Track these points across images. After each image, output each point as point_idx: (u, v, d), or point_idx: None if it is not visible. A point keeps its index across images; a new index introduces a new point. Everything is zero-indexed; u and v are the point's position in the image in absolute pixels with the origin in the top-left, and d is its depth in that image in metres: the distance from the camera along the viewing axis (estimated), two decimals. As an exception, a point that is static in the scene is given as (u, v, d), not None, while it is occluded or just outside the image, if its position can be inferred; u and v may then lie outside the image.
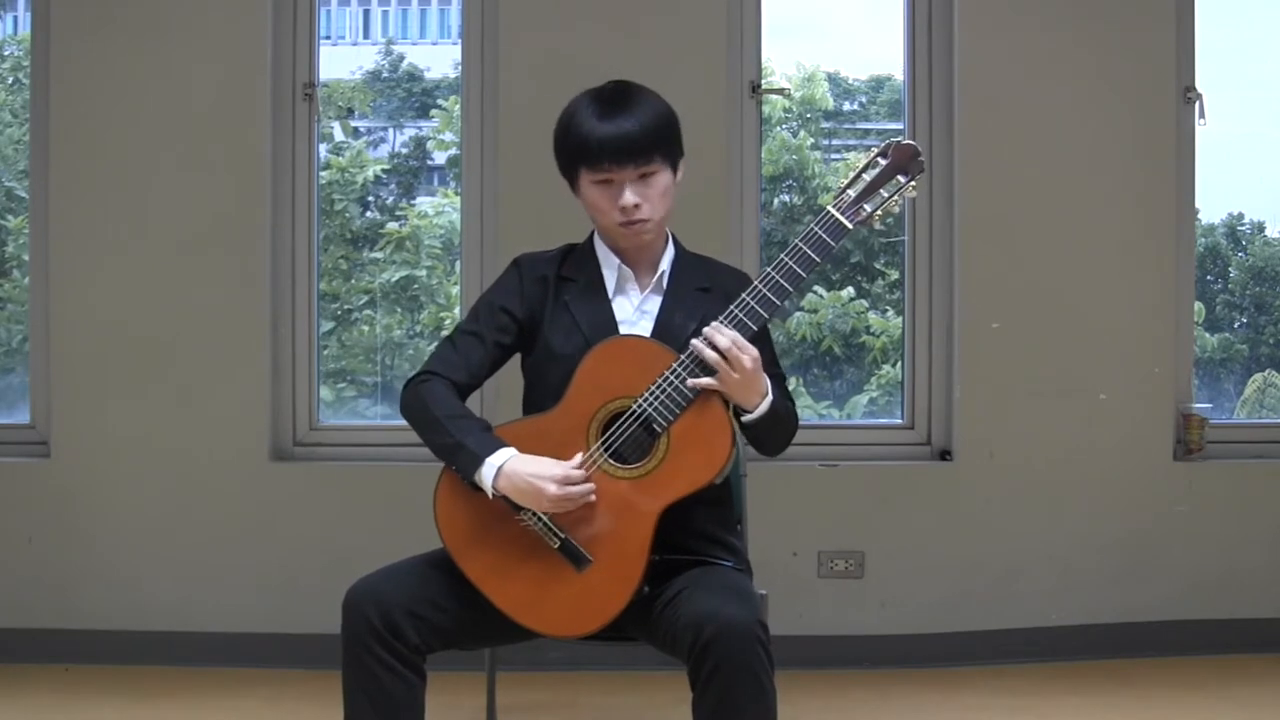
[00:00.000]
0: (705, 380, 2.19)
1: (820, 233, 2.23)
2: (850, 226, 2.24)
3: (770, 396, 2.26)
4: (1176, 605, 3.83)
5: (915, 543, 3.77)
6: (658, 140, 2.33)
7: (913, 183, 2.27)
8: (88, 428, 3.72)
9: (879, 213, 2.26)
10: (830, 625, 3.74)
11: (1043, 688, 3.55)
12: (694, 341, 2.19)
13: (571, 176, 2.40)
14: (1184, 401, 3.90)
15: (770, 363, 2.35)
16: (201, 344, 3.71)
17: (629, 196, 2.31)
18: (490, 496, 2.21)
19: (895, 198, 2.26)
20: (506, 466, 2.20)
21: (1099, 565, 3.81)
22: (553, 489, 2.17)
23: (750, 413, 2.25)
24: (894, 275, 4.26)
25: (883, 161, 2.27)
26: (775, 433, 2.33)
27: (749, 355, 2.19)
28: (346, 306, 4.25)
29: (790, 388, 2.50)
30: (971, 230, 3.78)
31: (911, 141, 2.30)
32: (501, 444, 2.23)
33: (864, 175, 2.27)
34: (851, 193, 2.26)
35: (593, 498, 2.20)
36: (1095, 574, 3.81)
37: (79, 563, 3.72)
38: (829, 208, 2.25)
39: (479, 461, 2.20)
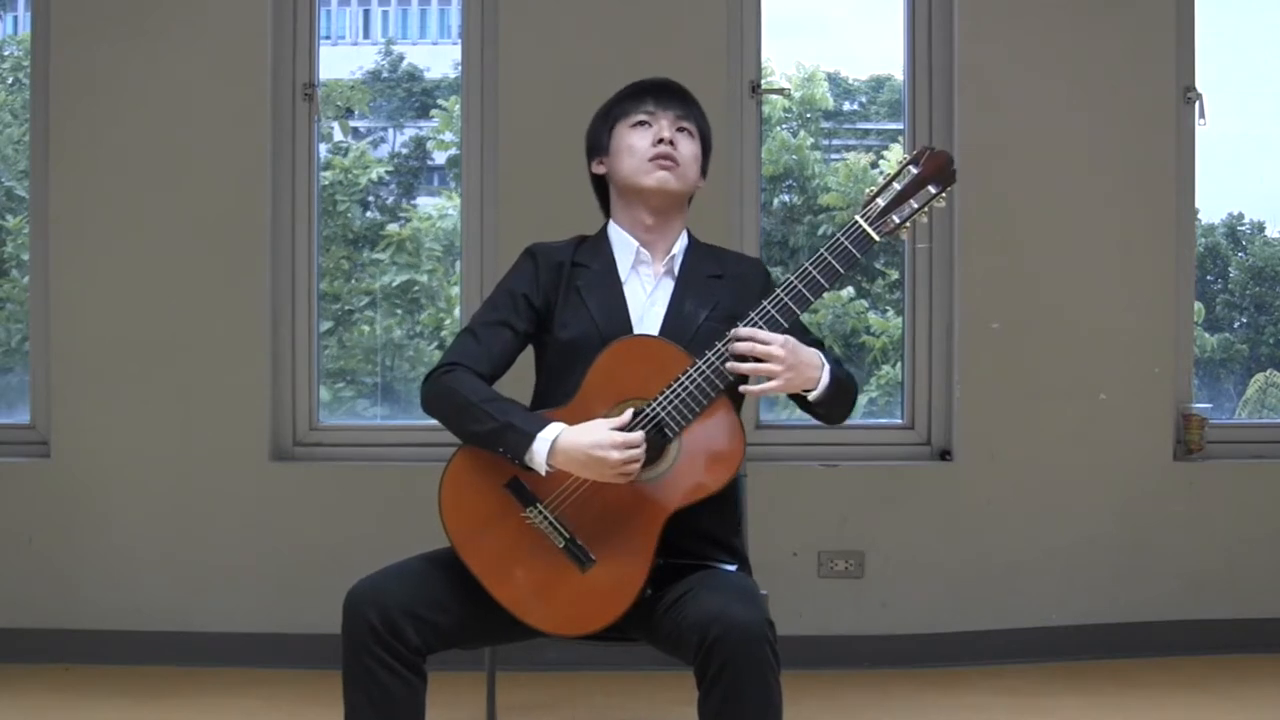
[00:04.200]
0: (758, 386, 2.16)
1: (847, 244, 2.20)
2: (878, 239, 2.20)
3: (828, 366, 2.25)
4: (1176, 605, 3.83)
5: (915, 543, 3.77)
6: (701, 116, 2.47)
7: (942, 194, 2.22)
8: (88, 428, 3.72)
9: (907, 225, 2.21)
10: (830, 625, 3.74)
11: (1043, 688, 3.55)
12: (729, 364, 2.16)
13: (602, 141, 2.45)
14: (1184, 401, 3.90)
15: (803, 332, 2.34)
16: (201, 344, 3.71)
17: (667, 130, 2.39)
18: (543, 474, 2.17)
19: (924, 209, 2.21)
20: (561, 441, 2.16)
21: (1099, 565, 3.81)
22: (615, 455, 2.13)
23: (814, 390, 2.23)
24: (894, 275, 4.25)
25: (914, 170, 2.21)
26: (841, 401, 2.30)
27: (776, 343, 2.16)
28: (347, 307, 4.25)
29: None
30: (971, 230, 3.79)
31: (945, 150, 2.24)
32: (548, 420, 2.19)
33: (894, 184, 2.21)
34: (880, 202, 2.21)
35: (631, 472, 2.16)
36: (1095, 574, 3.81)
37: (79, 563, 3.72)
38: (858, 219, 2.21)
39: (529, 439, 2.16)
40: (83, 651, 3.68)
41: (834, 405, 2.29)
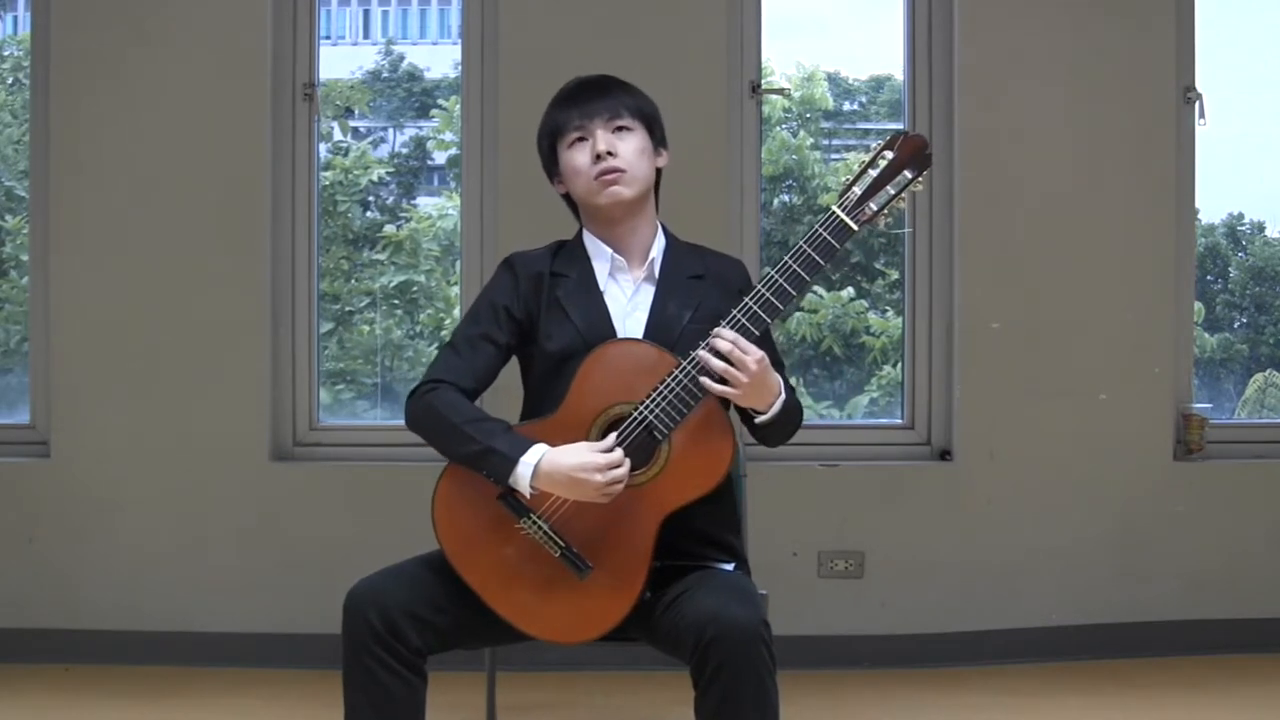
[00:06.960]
0: (718, 387, 2.15)
1: (825, 234, 2.16)
2: (855, 228, 2.16)
3: (783, 396, 2.25)
4: (1177, 605, 3.83)
5: (915, 543, 3.77)
6: (630, 98, 2.38)
7: (919, 179, 2.18)
8: (88, 428, 3.72)
9: (885, 212, 2.17)
10: (830, 625, 3.74)
11: (1043, 688, 3.55)
12: (700, 353, 2.15)
13: (552, 163, 2.42)
14: (1184, 401, 3.90)
15: (774, 351, 2.34)
16: (201, 344, 3.71)
17: (601, 142, 2.32)
18: (528, 496, 2.17)
19: (901, 195, 2.17)
20: (543, 464, 2.16)
21: (1099, 565, 3.81)
22: (598, 478, 2.13)
23: (763, 414, 2.24)
24: (894, 275, 4.26)
25: (889, 155, 2.17)
26: (783, 428, 2.31)
27: (753, 357, 2.15)
28: (347, 308, 4.26)
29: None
30: (971, 230, 3.78)
31: (919, 134, 2.22)
32: (531, 442, 2.19)
33: (869, 171, 2.17)
34: (857, 190, 2.16)
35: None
36: (1095, 574, 3.80)
37: (79, 563, 3.72)
38: (834, 208, 2.17)
39: (512, 463, 2.16)
40: (83, 651, 3.68)
41: (774, 431, 2.29)
